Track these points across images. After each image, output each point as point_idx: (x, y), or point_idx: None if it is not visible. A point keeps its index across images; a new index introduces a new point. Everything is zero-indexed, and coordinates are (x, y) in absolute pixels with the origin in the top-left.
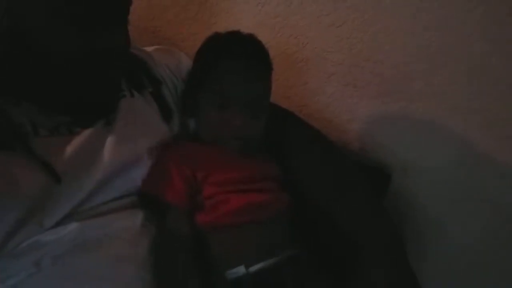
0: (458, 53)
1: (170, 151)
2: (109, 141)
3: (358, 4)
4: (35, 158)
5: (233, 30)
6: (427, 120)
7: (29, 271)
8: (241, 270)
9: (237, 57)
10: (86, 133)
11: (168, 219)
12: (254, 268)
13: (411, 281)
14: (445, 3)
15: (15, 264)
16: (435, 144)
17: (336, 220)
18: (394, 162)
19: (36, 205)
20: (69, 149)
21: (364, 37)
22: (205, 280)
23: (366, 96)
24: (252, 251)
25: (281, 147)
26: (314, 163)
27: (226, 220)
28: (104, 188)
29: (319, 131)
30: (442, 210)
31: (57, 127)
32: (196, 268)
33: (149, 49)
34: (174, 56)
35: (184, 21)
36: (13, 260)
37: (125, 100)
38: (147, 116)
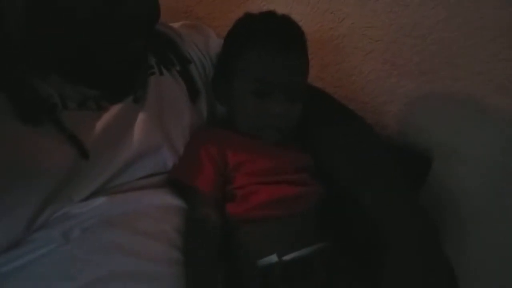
0: (508, 25)
1: (201, 138)
2: (138, 119)
3: None
4: (64, 131)
5: (267, 11)
6: (473, 101)
7: (58, 242)
8: (273, 258)
9: (274, 41)
10: (115, 109)
11: (196, 206)
12: (287, 257)
13: (447, 275)
14: None
15: (44, 235)
16: (483, 128)
17: (364, 209)
18: (435, 147)
19: (65, 180)
20: (98, 125)
21: (405, 11)
22: (232, 268)
23: (406, 75)
24: (284, 241)
25: (313, 131)
26: (344, 148)
27: (258, 212)
28: (132, 167)
29: (353, 111)
30: (487, 202)
31: (85, 101)
32: (220, 260)
33: (177, 25)
34: (202, 33)
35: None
36: (43, 231)
37: (154, 78)
38: (176, 95)
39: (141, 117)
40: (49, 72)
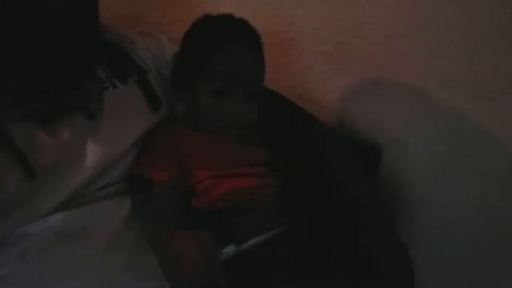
0: (444, 25)
1: (158, 134)
2: (94, 137)
3: None
4: (11, 147)
5: (224, 13)
6: (415, 95)
7: (15, 263)
8: (231, 249)
9: (234, 42)
10: (67, 126)
11: (154, 197)
12: (245, 246)
13: (401, 249)
14: None
15: (0, 256)
16: (427, 120)
17: (328, 195)
18: (384, 140)
19: (16, 201)
20: (48, 141)
21: (349, 13)
22: None
23: (355, 74)
24: (242, 232)
25: (270, 127)
26: (306, 139)
27: (218, 204)
28: (90, 185)
29: (304, 109)
30: (433, 187)
31: (33, 115)
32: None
33: (129, 33)
34: (155, 39)
35: (167, 4)
36: None
37: (108, 92)
38: (133, 107)
39: (96, 133)
40: None
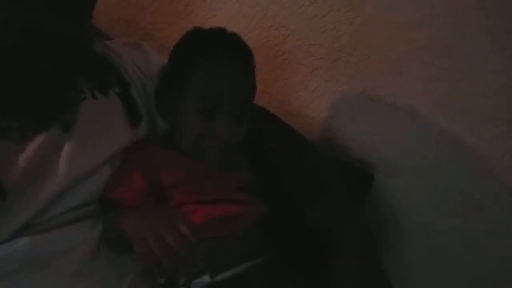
0: (446, 50)
1: (135, 155)
2: (66, 149)
3: None
4: None
5: (216, 27)
6: (411, 118)
7: None
8: (205, 279)
9: (223, 60)
10: (40, 139)
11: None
12: (220, 277)
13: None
14: None
15: None
16: (422, 144)
17: (307, 221)
18: (378, 161)
19: None
20: (21, 157)
21: (349, 30)
22: None
23: (350, 92)
24: (218, 261)
25: (253, 146)
26: (287, 163)
27: (194, 233)
28: (59, 200)
29: (292, 128)
30: (424, 211)
31: (5, 131)
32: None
33: (114, 43)
34: (142, 52)
35: (159, 9)
36: None
37: (86, 103)
38: (111, 120)
39: (70, 147)
40: None
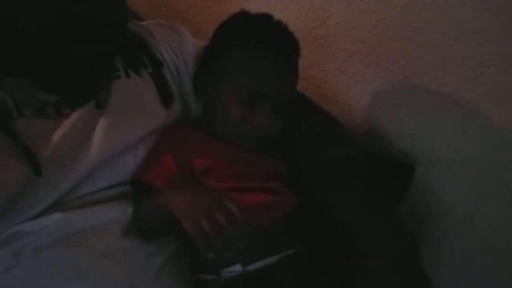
0: (496, 33)
1: (167, 138)
2: (100, 126)
3: None
4: (17, 142)
5: (262, 13)
6: (459, 108)
7: (7, 263)
8: (237, 268)
9: (272, 51)
10: (75, 116)
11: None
12: (252, 267)
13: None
14: None
15: None
16: (468, 135)
17: (337, 218)
18: (420, 153)
19: (17, 196)
20: (56, 134)
21: (391, 12)
22: (197, 281)
23: (391, 79)
24: (251, 251)
25: (288, 136)
26: (319, 156)
27: None
28: (92, 178)
29: (332, 117)
30: (470, 208)
31: (43, 107)
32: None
33: (150, 24)
34: (177, 32)
35: None
36: None
37: (120, 82)
38: (144, 99)
39: (103, 124)
40: (3, 76)
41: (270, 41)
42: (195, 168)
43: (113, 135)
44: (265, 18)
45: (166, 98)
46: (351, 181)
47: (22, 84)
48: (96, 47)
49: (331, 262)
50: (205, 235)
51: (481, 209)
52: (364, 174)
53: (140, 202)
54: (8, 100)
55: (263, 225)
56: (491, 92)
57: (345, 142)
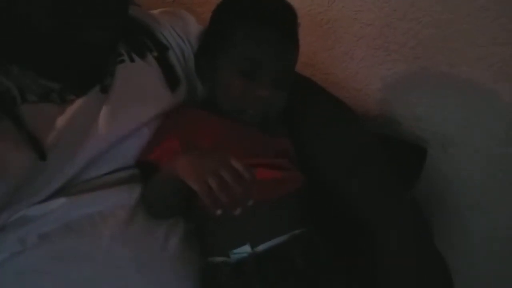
0: (508, 9)
1: (172, 119)
2: (105, 111)
3: None
4: (22, 127)
5: None
6: (471, 88)
7: (13, 248)
8: (246, 249)
9: (270, 20)
10: (80, 101)
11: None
12: (261, 248)
13: (440, 270)
14: None
15: None
16: (481, 116)
17: (348, 200)
18: (431, 136)
19: (22, 181)
20: (61, 119)
21: None
22: (205, 264)
23: (400, 61)
24: (259, 229)
25: (296, 119)
26: (329, 137)
27: None
28: (97, 162)
29: (341, 101)
30: (483, 193)
31: (47, 93)
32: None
33: (154, 11)
34: (181, 17)
35: None
36: None
37: (124, 66)
38: (148, 83)
39: (108, 108)
40: (7, 63)
41: (268, 12)
42: (201, 146)
43: (118, 119)
44: None
45: (172, 82)
46: (367, 164)
47: (26, 72)
48: (99, 33)
49: (341, 243)
50: (211, 191)
51: (493, 193)
52: (379, 157)
53: (148, 180)
54: (11, 86)
55: (270, 199)
56: (502, 70)
57: (356, 125)
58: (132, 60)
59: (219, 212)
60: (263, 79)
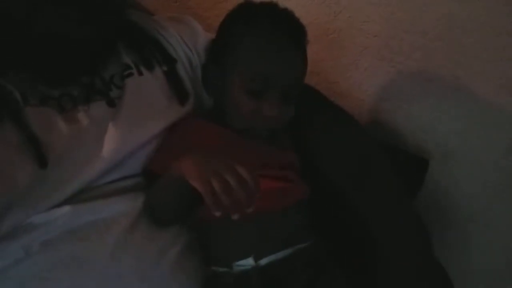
0: None
1: (179, 129)
2: (114, 126)
3: None
4: (24, 130)
5: (268, 1)
6: (474, 101)
7: (16, 256)
8: (249, 262)
9: (278, 37)
10: (85, 113)
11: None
12: (264, 261)
13: (440, 280)
14: None
15: (3, 247)
16: (483, 129)
17: (352, 210)
18: (434, 147)
19: (27, 189)
20: (65, 128)
21: (404, 5)
22: (207, 276)
23: (404, 73)
24: (262, 242)
25: (300, 128)
26: (335, 147)
27: None
28: (105, 176)
29: (344, 110)
30: (486, 206)
31: (46, 100)
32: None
33: (161, 18)
34: (188, 26)
35: None
36: (1, 243)
37: (133, 79)
38: (158, 97)
39: (116, 123)
40: (6, 69)
41: (277, 27)
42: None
43: (125, 136)
44: (271, 6)
45: (181, 95)
46: (373, 176)
47: (23, 78)
48: (93, 30)
49: (345, 256)
50: (214, 192)
51: (494, 205)
52: (385, 168)
53: (153, 183)
54: (13, 89)
55: (275, 210)
56: (505, 85)
57: (361, 135)
58: (140, 73)
59: (218, 213)
60: (272, 96)
